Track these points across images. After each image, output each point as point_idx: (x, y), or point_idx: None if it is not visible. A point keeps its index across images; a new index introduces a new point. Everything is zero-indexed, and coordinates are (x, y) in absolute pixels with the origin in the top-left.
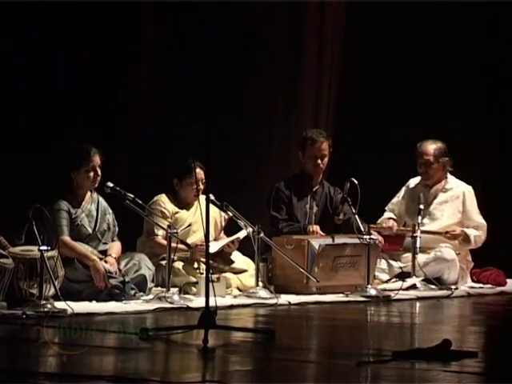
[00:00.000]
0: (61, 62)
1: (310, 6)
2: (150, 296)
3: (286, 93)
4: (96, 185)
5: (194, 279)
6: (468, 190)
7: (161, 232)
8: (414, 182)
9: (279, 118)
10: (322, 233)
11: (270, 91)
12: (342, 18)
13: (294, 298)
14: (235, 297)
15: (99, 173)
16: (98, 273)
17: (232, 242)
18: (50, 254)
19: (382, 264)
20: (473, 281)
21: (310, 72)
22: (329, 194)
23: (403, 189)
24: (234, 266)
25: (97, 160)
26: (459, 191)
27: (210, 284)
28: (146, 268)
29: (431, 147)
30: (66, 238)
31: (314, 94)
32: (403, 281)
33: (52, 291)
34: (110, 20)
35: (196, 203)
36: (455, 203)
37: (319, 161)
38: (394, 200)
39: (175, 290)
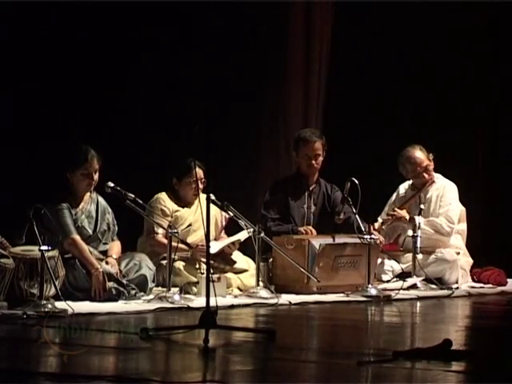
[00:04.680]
0: (61, 62)
1: (296, 6)
2: (151, 296)
3: (274, 93)
4: (91, 188)
5: (194, 279)
6: (449, 185)
7: (161, 230)
8: (403, 187)
9: (268, 118)
10: (314, 231)
11: (258, 91)
12: (329, 18)
13: (295, 298)
14: (236, 297)
15: (95, 178)
16: (97, 282)
17: (232, 243)
18: (50, 253)
19: (386, 265)
20: (473, 280)
21: (298, 72)
22: (326, 192)
23: (394, 195)
24: (234, 265)
25: (94, 165)
26: (441, 187)
27: (211, 284)
28: (147, 268)
29: (420, 153)
30: (77, 236)
31: (302, 94)
32: (404, 280)
33: (52, 291)
34: (110, 20)
35: (197, 202)
36: (438, 199)
37: (313, 161)
38: (386, 208)
39: (176, 289)
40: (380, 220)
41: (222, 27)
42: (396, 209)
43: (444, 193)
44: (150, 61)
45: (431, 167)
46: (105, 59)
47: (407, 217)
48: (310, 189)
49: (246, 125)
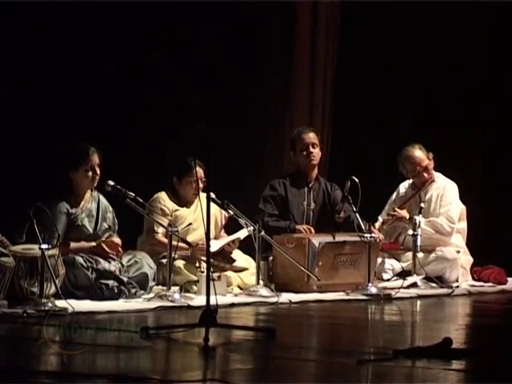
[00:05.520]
0: (61, 60)
1: (303, 5)
2: (151, 294)
3: (279, 92)
4: (95, 184)
5: (194, 278)
6: (449, 184)
7: (161, 230)
8: (403, 186)
9: (273, 118)
10: (313, 230)
11: (263, 91)
12: (335, 16)
13: (295, 297)
14: (236, 295)
15: (98, 172)
16: (104, 250)
17: (232, 241)
18: (50, 252)
19: (386, 264)
20: (474, 279)
21: (304, 71)
22: (326, 190)
23: (394, 194)
24: (234, 264)
25: (95, 159)
26: (442, 186)
27: (211, 282)
28: (148, 266)
29: (420, 153)
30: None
31: (307, 94)
32: (404, 279)
33: (53, 290)
34: (111, 20)
35: (196, 201)
36: (439, 198)
37: (311, 148)
38: (387, 207)
39: (176, 288)
40: (380, 219)
41: (228, 26)
42: (396, 209)
43: (444, 192)
44: (151, 59)
45: (431, 166)
46: (105, 58)
47: (407, 217)
48: (310, 186)
49: (251, 124)
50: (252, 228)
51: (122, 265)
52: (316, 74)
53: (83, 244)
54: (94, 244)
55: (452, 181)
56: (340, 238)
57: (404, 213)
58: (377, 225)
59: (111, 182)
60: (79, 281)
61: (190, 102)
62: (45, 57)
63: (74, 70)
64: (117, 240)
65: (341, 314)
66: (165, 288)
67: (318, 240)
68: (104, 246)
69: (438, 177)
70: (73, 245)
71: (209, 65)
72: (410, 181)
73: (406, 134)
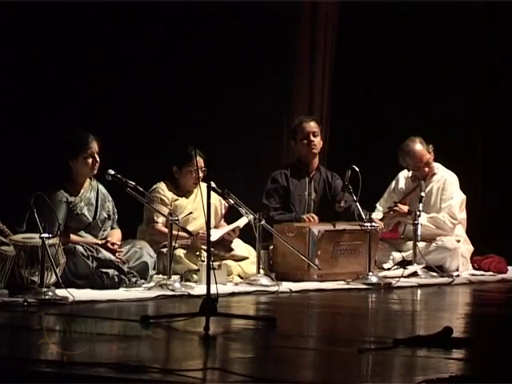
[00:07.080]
0: (59, 48)
1: None
2: (152, 283)
3: (278, 81)
4: (95, 171)
5: (195, 267)
6: (449, 176)
7: (161, 219)
8: (403, 175)
9: (271, 107)
10: (317, 218)
11: (262, 79)
12: (335, 7)
13: (296, 286)
14: (236, 284)
15: (98, 159)
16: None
17: (233, 230)
18: (51, 241)
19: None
20: (474, 268)
21: (303, 60)
22: (327, 179)
23: (393, 183)
24: (235, 253)
25: (95, 146)
26: (442, 179)
27: (212, 271)
28: (148, 255)
29: (420, 147)
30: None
31: (307, 82)
32: (404, 268)
33: (53, 279)
34: (111, 8)
35: (196, 190)
36: (439, 191)
37: (311, 137)
38: (385, 195)
39: (176, 277)
40: (379, 207)
41: (230, 15)
42: (399, 204)
43: (445, 186)
44: (151, 48)
45: (431, 159)
46: (105, 47)
47: (407, 210)
48: (311, 176)
49: (250, 113)
50: (252, 216)
51: (120, 259)
52: (316, 63)
53: (85, 240)
54: (97, 241)
55: (452, 169)
56: (340, 226)
57: (405, 208)
58: (375, 214)
59: (111, 171)
60: (79, 270)
61: (189, 90)
62: (44, 44)
63: (74, 58)
64: (116, 237)
65: (341, 303)
66: (165, 277)
67: (317, 229)
68: (109, 245)
69: (438, 168)
70: (74, 237)
71: (209, 54)
72: (410, 172)
73: (406, 123)
